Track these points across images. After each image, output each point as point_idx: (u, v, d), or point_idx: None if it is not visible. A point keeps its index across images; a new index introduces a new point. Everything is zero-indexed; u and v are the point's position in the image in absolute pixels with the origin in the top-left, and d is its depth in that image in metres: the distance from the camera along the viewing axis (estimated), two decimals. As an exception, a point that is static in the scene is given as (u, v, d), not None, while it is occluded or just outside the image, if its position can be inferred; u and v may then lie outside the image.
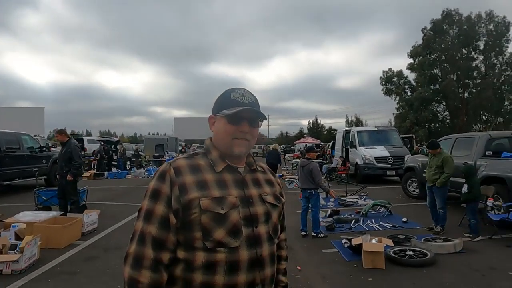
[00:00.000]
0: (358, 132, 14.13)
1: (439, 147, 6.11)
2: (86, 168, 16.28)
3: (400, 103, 35.31)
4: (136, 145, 28.05)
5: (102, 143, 19.16)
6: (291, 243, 5.21)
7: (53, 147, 13.12)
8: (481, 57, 32.48)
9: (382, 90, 36.39)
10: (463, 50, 32.26)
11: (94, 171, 15.85)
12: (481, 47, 31.89)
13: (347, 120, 60.60)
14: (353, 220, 6.42)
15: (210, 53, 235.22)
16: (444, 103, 33.77)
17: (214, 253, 1.01)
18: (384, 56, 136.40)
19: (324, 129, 63.34)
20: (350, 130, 15.17)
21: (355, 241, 4.57)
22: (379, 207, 7.27)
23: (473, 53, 32.47)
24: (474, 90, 32.10)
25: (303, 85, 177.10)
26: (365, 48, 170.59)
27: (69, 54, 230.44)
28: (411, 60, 33.92)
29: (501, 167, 6.26)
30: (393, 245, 4.65)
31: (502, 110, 31.85)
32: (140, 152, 22.39)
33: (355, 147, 13.60)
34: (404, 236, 5.29)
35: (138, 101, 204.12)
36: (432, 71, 33.63)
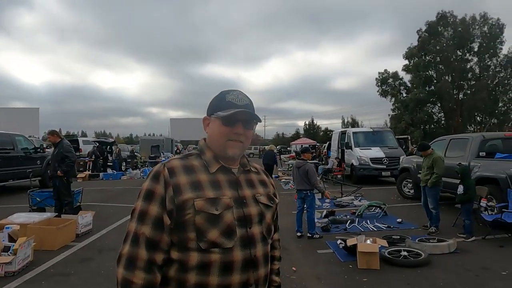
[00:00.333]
0: (353, 133, 14.18)
1: (429, 149, 6.24)
2: (81, 169, 16.19)
3: (396, 104, 35.49)
4: (131, 146, 27.94)
5: (97, 144, 19.06)
6: (287, 244, 5.22)
7: (47, 148, 13.02)
8: (475, 59, 32.75)
9: (377, 91, 36.55)
10: (458, 52, 32.49)
11: (89, 172, 15.75)
12: (476, 49, 32.15)
13: (343, 121, 60.88)
14: (348, 221, 6.44)
15: (206, 53, 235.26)
16: (439, 104, 33.98)
17: (208, 253, 1.01)
18: (380, 57, 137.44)
19: (320, 130, 63.45)
20: (345, 131, 15.23)
21: (350, 241, 4.59)
22: (374, 207, 7.30)
23: (467, 54, 32.72)
24: (469, 92, 32.34)
25: (299, 86, 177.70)
26: (361, 49, 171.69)
27: (64, 54, 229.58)
28: (407, 62, 34.14)
29: (494, 168, 6.31)
30: (387, 245, 4.68)
31: (496, 111, 32.09)
32: (135, 153, 22.32)
33: (350, 148, 13.65)
34: (398, 237, 5.32)
35: (134, 101, 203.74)
36: (427, 73, 33.85)
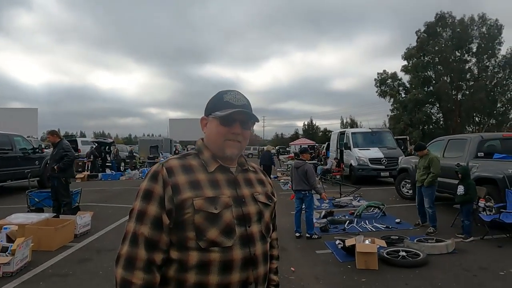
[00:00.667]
0: (352, 133, 14.20)
1: (425, 149, 6.36)
2: (79, 169, 16.16)
3: (395, 105, 35.53)
4: (130, 147, 27.90)
5: (96, 144, 19.03)
6: (285, 244, 5.22)
7: (46, 149, 12.99)
8: (474, 60, 32.84)
9: (376, 91, 36.59)
10: (456, 53, 32.57)
11: (88, 173, 15.73)
12: (474, 50, 32.23)
13: (342, 122, 60.85)
14: (347, 221, 6.44)
15: (205, 54, 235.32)
16: (437, 105, 34.05)
17: (208, 252, 1.01)
18: (379, 58, 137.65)
19: (319, 131, 63.46)
20: (344, 131, 15.25)
21: (349, 242, 4.60)
22: (373, 208, 7.30)
23: (466, 55, 32.80)
24: (467, 92, 32.42)
25: (298, 87, 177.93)
26: (360, 49, 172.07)
27: (63, 54, 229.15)
28: (405, 62, 34.17)
29: (492, 168, 6.33)
30: (386, 246, 4.68)
31: (495, 112, 32.19)
32: (134, 154, 22.27)
33: (349, 148, 13.67)
34: (397, 237, 5.32)
35: (132, 102, 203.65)
36: (426, 73, 33.91)
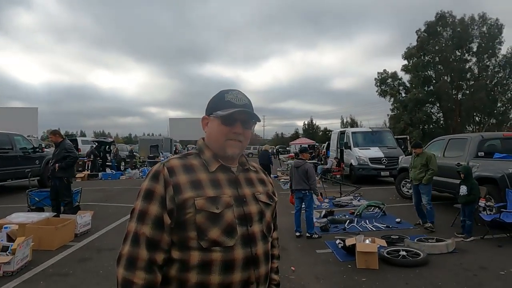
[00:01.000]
0: (352, 133, 14.20)
1: (422, 147, 6.56)
2: (80, 169, 16.16)
3: (395, 104, 35.53)
4: (130, 146, 27.90)
5: (96, 144, 19.04)
6: (286, 244, 5.22)
7: (46, 148, 13.00)
8: (474, 59, 32.81)
9: (376, 91, 36.59)
10: (457, 52, 32.55)
11: (88, 172, 15.73)
12: (474, 49, 32.21)
13: (342, 121, 60.82)
14: (347, 221, 6.45)
15: (205, 53, 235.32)
16: (438, 105, 34.03)
17: (209, 252, 1.01)
18: (379, 57, 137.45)
19: (319, 130, 63.46)
20: (344, 131, 15.24)
21: (349, 241, 4.60)
22: (373, 207, 7.30)
23: (466, 55, 32.78)
24: (468, 92, 32.40)
25: (298, 86, 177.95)
26: (360, 49, 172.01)
27: (62, 54, 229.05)
28: (406, 62, 34.17)
29: (493, 167, 6.32)
30: (386, 245, 4.68)
31: (495, 111, 32.18)
32: (134, 153, 22.27)
33: (349, 148, 13.67)
34: (397, 237, 5.32)
35: (132, 101, 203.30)
36: (426, 73, 33.90)
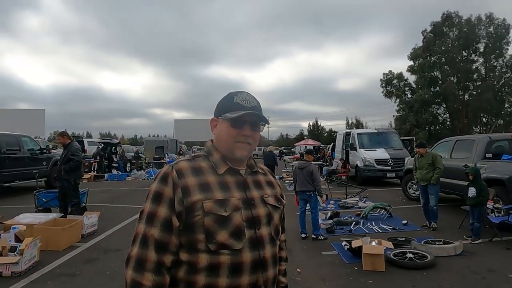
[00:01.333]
0: (358, 134, 14.14)
1: (426, 147, 6.62)
2: (86, 170, 16.29)
3: (401, 105, 35.35)
4: (136, 147, 28.03)
5: (102, 145, 19.17)
6: (291, 245, 5.20)
7: (53, 149, 13.12)
8: (481, 60, 32.56)
9: (382, 92, 36.43)
10: (463, 53, 32.32)
11: (94, 173, 15.85)
12: (481, 50, 31.96)
13: (347, 122, 60.66)
14: (353, 223, 6.41)
15: (209, 55, 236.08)
16: (444, 105, 33.79)
17: (217, 255, 1.01)
18: (384, 58, 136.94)
19: (324, 131, 63.33)
20: (350, 132, 15.19)
21: (355, 243, 4.57)
22: (379, 209, 7.26)
23: (473, 55, 32.53)
24: (474, 93, 32.14)
25: (303, 87, 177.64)
26: (365, 50, 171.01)
27: (69, 56, 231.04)
28: (411, 62, 33.99)
29: (501, 169, 6.26)
30: (393, 247, 4.65)
31: (502, 112, 31.86)
32: (140, 154, 22.38)
33: (355, 149, 13.61)
34: (404, 239, 5.29)
35: (138, 103, 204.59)
36: (432, 74, 33.69)
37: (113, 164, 18.46)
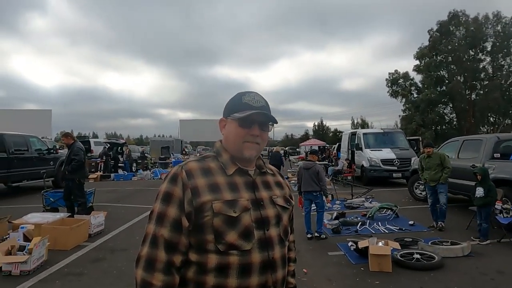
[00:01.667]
0: (364, 134, 14.06)
1: (434, 147, 6.65)
2: (92, 170, 16.41)
3: (406, 105, 35.12)
4: (142, 147, 28.18)
5: (108, 145, 19.29)
6: (297, 246, 5.16)
7: (60, 149, 13.25)
8: (488, 59, 32.22)
9: (388, 92, 36.23)
10: (470, 52, 32.02)
11: (101, 173, 15.96)
12: (489, 48, 31.63)
13: (353, 122, 60.46)
14: (359, 223, 6.38)
15: (214, 55, 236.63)
16: (451, 105, 33.52)
17: (227, 255, 1.02)
18: (390, 57, 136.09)
19: (330, 131, 63.18)
20: (356, 132, 15.10)
21: (362, 244, 4.55)
22: (385, 209, 7.21)
23: (480, 54, 32.22)
24: (482, 92, 31.83)
25: (308, 87, 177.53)
26: (370, 50, 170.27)
27: (75, 57, 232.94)
28: (417, 62, 33.77)
29: (509, 169, 6.19)
30: (400, 248, 4.62)
31: (510, 111, 31.44)
32: (146, 154, 22.50)
33: (361, 149, 13.54)
34: (411, 239, 5.25)
35: (143, 103, 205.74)
36: (439, 73, 33.42)
37: (119, 164, 18.58)
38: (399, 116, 37.33)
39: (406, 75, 35.28)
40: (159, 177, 15.94)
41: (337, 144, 21.46)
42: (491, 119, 33.35)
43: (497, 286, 3.75)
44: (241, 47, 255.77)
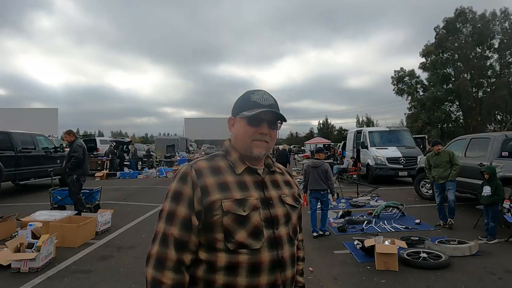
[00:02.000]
0: (369, 132, 13.98)
1: (442, 144, 6.62)
2: (99, 168, 16.53)
3: (412, 103, 34.88)
4: (147, 146, 28.34)
5: (114, 143, 19.41)
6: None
7: (66, 148, 13.34)
8: (495, 56, 31.89)
9: (393, 89, 36.05)
10: (477, 49, 31.72)
11: (107, 171, 16.07)
12: (496, 46, 31.29)
13: (358, 120, 60.22)
14: (365, 221, 6.36)
15: (219, 53, 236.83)
16: (457, 103, 33.24)
17: (236, 254, 1.02)
18: (395, 55, 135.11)
19: (335, 129, 62.96)
20: (361, 130, 15.03)
21: (368, 242, 4.53)
22: (391, 208, 7.18)
23: (487, 51, 31.88)
24: (489, 90, 31.52)
25: (313, 85, 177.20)
26: (376, 47, 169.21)
27: (81, 56, 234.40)
28: (423, 59, 33.50)
29: (517, 168, 6.12)
30: (406, 247, 4.60)
31: (518, 109, 31.17)
32: (151, 153, 22.60)
33: (366, 147, 13.48)
34: (417, 238, 5.22)
35: (148, 101, 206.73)
36: (445, 70, 33.15)
37: (125, 163, 18.69)
38: (405, 114, 37.12)
39: (412, 73, 35.04)
40: (165, 175, 16.01)
41: (343, 142, 21.40)
42: (498, 117, 33.02)
43: (505, 285, 3.72)
44: (247, 45, 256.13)
